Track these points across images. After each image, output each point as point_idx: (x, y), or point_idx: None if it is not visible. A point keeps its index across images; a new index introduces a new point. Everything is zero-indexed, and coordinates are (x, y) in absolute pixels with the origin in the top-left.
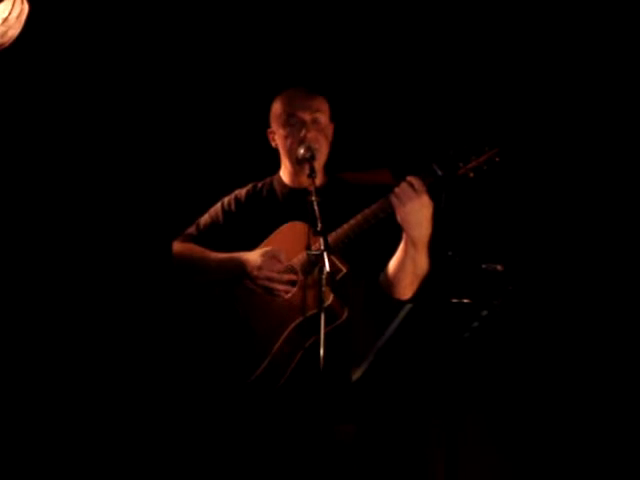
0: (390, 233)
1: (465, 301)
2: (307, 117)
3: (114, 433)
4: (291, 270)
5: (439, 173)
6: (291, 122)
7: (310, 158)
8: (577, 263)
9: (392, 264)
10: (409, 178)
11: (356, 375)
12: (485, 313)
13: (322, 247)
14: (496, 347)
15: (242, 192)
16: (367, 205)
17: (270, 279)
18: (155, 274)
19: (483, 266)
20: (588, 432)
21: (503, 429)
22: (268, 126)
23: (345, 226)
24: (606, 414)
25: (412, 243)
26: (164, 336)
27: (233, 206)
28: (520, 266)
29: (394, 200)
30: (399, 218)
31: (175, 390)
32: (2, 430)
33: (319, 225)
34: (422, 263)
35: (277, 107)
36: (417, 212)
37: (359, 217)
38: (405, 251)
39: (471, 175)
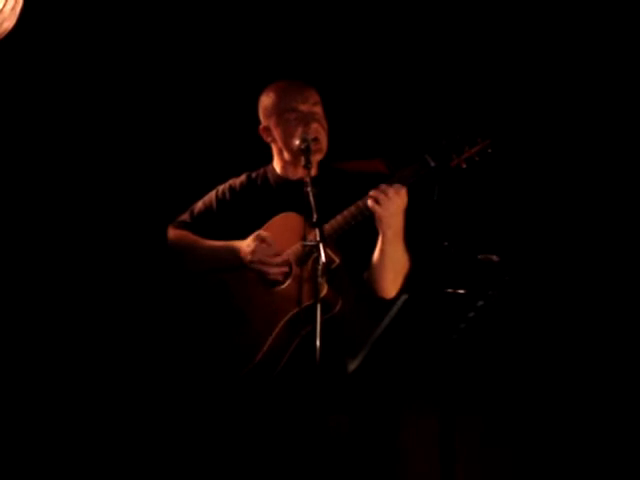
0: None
1: (461, 292)
2: (307, 110)
3: (106, 418)
4: (285, 262)
5: (432, 164)
6: (290, 117)
7: (306, 149)
8: (573, 253)
9: (373, 262)
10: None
11: (352, 366)
12: (481, 304)
13: (318, 238)
14: (492, 338)
15: (237, 181)
16: (362, 193)
17: (263, 262)
18: (150, 264)
19: (479, 257)
20: (587, 425)
21: (498, 420)
22: (257, 120)
23: (339, 217)
24: (605, 408)
25: (385, 238)
26: (159, 326)
27: (228, 195)
28: (516, 257)
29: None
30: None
31: (170, 380)
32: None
33: (315, 216)
34: (399, 258)
35: (271, 102)
36: (388, 206)
37: (352, 209)
38: (381, 249)
39: (464, 166)
